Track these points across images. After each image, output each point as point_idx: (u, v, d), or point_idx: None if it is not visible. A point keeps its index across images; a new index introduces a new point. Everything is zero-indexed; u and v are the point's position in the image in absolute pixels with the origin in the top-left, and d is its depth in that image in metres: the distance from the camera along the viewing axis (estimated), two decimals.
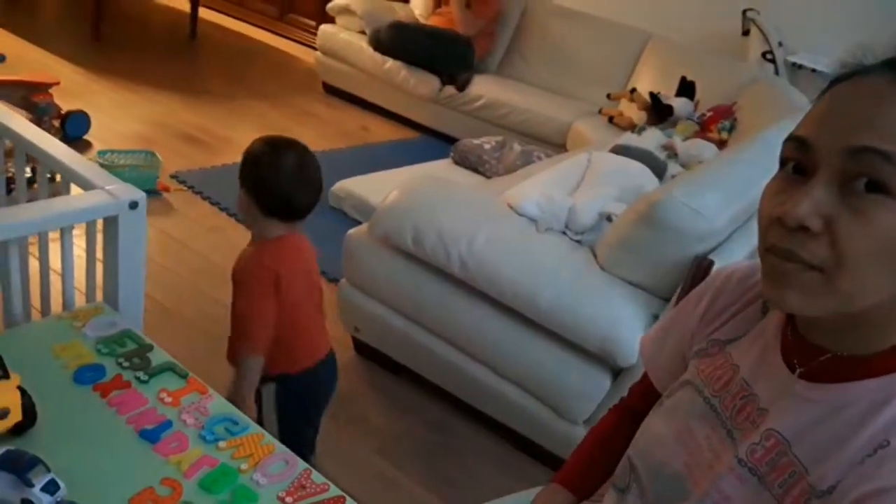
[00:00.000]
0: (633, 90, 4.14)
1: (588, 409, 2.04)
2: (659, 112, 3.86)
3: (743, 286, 0.94)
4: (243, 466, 1.05)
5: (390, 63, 4.61)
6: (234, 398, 1.43)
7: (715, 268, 1.62)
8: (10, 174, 1.87)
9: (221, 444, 1.08)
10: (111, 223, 1.34)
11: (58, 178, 1.50)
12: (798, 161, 0.72)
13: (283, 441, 1.27)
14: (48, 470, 0.95)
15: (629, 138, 3.33)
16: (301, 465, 1.08)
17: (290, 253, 1.60)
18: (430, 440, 2.27)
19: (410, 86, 4.59)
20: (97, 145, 3.62)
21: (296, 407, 1.68)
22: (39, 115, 3.47)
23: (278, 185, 1.52)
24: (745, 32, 4.29)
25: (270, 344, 1.55)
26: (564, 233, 2.32)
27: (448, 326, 2.23)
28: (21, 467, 0.93)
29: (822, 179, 0.69)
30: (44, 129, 3.38)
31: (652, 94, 3.95)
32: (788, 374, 0.81)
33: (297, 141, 1.60)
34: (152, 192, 3.32)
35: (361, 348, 2.53)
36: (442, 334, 2.25)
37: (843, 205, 0.68)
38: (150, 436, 1.07)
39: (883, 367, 0.74)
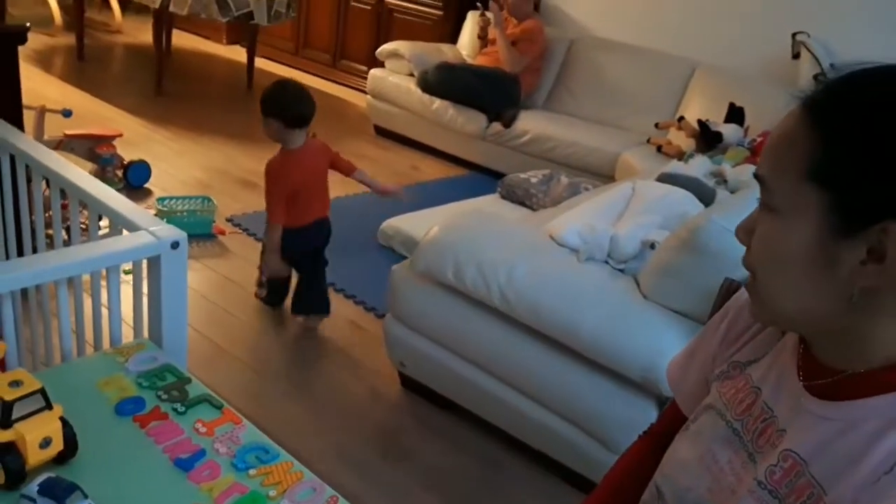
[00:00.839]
0: (681, 118, 4.11)
1: (634, 440, 2.00)
2: (708, 139, 3.82)
3: None
4: (272, 493, 1.07)
5: (438, 103, 4.70)
6: (264, 250, 2.78)
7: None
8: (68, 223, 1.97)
9: (252, 471, 1.11)
10: (154, 263, 1.41)
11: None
12: None
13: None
14: (85, 496, 0.99)
15: (676, 166, 3.29)
16: (328, 491, 1.10)
17: (298, 163, 2.63)
18: (479, 475, 2.26)
19: (458, 124, 4.66)
20: (157, 192, 3.78)
21: (291, 248, 2.73)
22: (103, 166, 3.65)
23: (289, 102, 2.58)
24: (796, 56, 4.22)
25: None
26: (607, 262, 2.31)
27: (492, 359, 2.23)
28: (60, 493, 0.98)
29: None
30: (107, 178, 3.58)
31: (700, 122, 3.91)
32: (803, 394, 0.80)
33: (290, 78, 2.88)
34: (209, 235, 3.44)
35: (408, 383, 2.55)
36: (486, 368, 2.25)
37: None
38: (185, 464, 1.11)
39: (893, 382, 0.73)
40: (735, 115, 3.93)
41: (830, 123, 0.71)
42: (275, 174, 2.60)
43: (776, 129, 0.77)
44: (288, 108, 2.57)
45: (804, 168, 0.72)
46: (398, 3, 5.71)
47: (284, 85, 2.64)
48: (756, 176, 0.77)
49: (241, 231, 3.55)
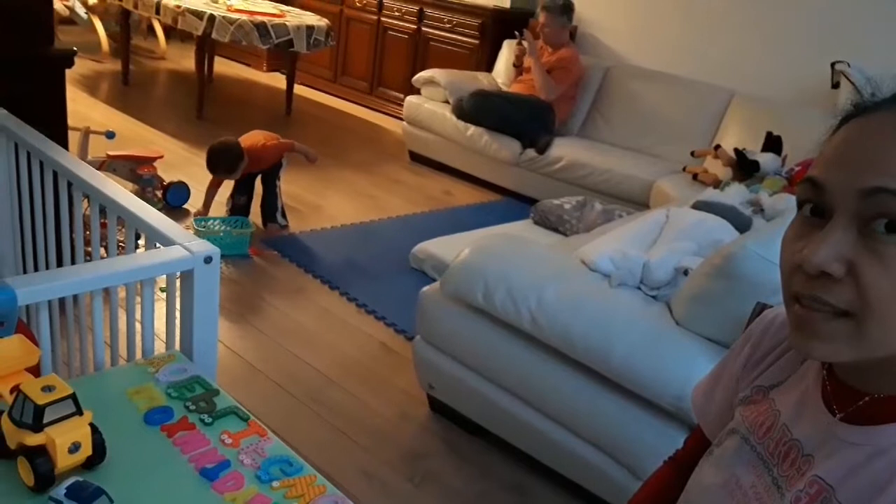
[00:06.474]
0: (718, 147, 4.08)
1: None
2: (745, 168, 3.78)
3: (785, 330, 0.91)
4: None
5: (472, 130, 4.73)
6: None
7: None
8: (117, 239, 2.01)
9: (275, 483, 1.11)
10: (187, 276, 1.43)
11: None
12: (814, 203, 0.70)
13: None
14: (111, 501, 1.00)
15: (711, 194, 3.26)
16: None
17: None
18: (505, 500, 2.24)
19: (492, 151, 4.68)
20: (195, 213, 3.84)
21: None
22: (144, 186, 3.73)
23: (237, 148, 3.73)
24: (835, 85, 4.17)
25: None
26: (639, 288, 2.28)
27: (520, 384, 2.21)
28: (86, 497, 0.99)
29: (839, 222, 0.67)
30: (147, 198, 3.65)
31: (737, 150, 3.88)
32: (829, 418, 0.78)
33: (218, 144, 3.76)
34: (245, 256, 3.48)
35: (437, 406, 2.54)
36: (515, 392, 2.23)
37: (863, 247, 0.65)
38: (209, 474, 1.11)
39: None
40: (772, 144, 3.89)
41: None
42: (274, 139, 3.91)
43: (874, 140, 0.67)
44: (234, 154, 3.75)
45: None
46: (435, 32, 5.79)
47: (222, 141, 3.77)
48: (880, 191, 0.64)
49: (276, 253, 3.59)
